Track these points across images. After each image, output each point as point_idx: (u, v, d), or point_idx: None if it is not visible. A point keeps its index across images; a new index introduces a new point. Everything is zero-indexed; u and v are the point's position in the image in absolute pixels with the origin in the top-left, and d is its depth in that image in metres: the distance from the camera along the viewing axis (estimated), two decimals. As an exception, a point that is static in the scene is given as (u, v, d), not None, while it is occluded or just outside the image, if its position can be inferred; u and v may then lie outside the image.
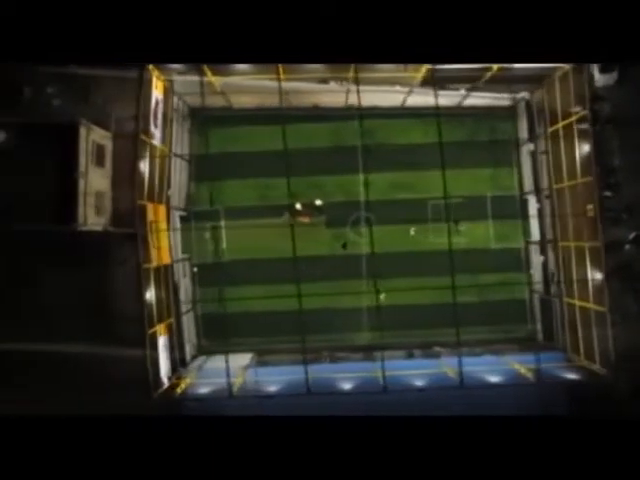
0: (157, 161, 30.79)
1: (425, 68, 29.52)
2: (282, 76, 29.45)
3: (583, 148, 29.72)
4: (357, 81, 29.20)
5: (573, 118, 29.84)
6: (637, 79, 30.79)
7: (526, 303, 35.43)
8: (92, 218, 29.73)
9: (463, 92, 33.39)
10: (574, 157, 30.43)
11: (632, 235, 30.97)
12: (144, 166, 29.24)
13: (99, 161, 30.62)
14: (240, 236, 34.31)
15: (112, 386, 28.25)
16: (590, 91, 29.29)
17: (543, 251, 34.68)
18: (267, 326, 34.00)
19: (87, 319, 29.98)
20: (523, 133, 35.25)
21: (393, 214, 33.77)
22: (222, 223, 34.44)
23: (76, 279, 30.61)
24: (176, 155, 33.50)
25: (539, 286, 34.80)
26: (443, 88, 31.59)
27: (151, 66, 28.87)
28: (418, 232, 34.79)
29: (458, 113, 34.70)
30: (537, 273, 35.10)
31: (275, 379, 29.67)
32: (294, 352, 31.64)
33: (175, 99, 33.13)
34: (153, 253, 29.56)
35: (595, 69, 30.97)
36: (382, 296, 30.87)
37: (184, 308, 33.93)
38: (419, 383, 28.37)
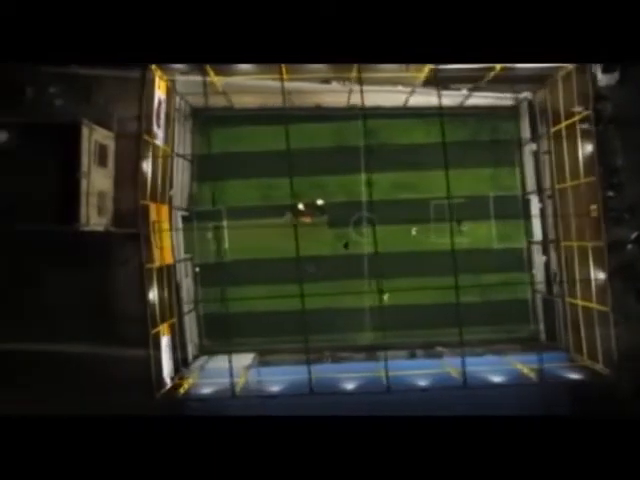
0: (160, 161, 30.80)
1: (427, 68, 29.52)
2: (285, 76, 29.42)
3: (586, 148, 29.68)
4: (360, 81, 29.18)
5: (576, 118, 29.79)
6: (639, 79, 30.77)
7: (528, 303, 35.37)
8: (94, 218, 29.75)
9: (465, 92, 33.36)
10: (576, 157, 30.38)
11: (634, 235, 30.94)
12: (147, 166, 29.24)
13: (101, 161, 30.63)
14: (242, 236, 34.31)
15: (115, 386, 28.28)
16: (593, 91, 29.22)
17: (545, 251, 34.62)
18: (269, 326, 33.99)
19: (90, 319, 30.00)
20: (525, 133, 35.18)
21: (395, 214, 33.74)
22: (224, 223, 34.44)
23: (78, 279, 30.63)
24: (178, 155, 33.51)
25: (541, 286, 34.76)
26: (445, 88, 31.52)
27: (154, 66, 28.89)
28: (420, 232, 34.76)
29: (460, 113, 34.66)
30: (539, 273, 35.05)
31: (277, 379, 29.66)
32: (296, 352, 31.64)
33: (177, 99, 33.14)
34: (156, 253, 29.56)
35: (597, 69, 30.95)
36: (385, 296, 30.83)
37: (186, 308, 33.90)
38: (422, 383, 28.34)
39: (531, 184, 35.22)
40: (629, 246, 30.99)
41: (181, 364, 31.66)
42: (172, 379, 29.56)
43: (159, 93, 30.02)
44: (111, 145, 31.59)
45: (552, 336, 33.98)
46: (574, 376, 28.84)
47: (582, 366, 29.62)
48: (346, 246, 34.73)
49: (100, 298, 30.73)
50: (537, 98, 34.19)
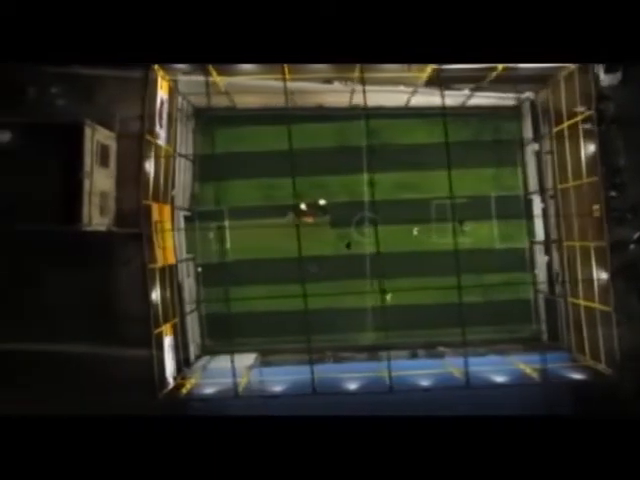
0: (162, 161, 30.82)
1: (430, 68, 29.51)
2: (287, 76, 29.44)
3: (588, 148, 29.68)
4: (363, 81, 29.18)
5: (579, 118, 29.79)
6: (641, 79, 30.87)
7: (531, 303, 35.37)
8: (96, 218, 29.72)
9: (467, 92, 33.35)
10: (579, 157, 30.40)
11: (637, 235, 30.90)
12: (149, 166, 29.26)
13: (103, 161, 30.61)
14: (244, 236, 34.30)
15: (117, 386, 28.27)
16: (596, 91, 29.21)
17: (547, 251, 34.64)
18: (271, 326, 33.99)
19: (92, 319, 29.97)
20: (527, 133, 35.19)
21: (397, 214, 33.68)
22: (226, 223, 34.43)
23: (81, 279, 30.59)
24: (180, 155, 33.51)
25: (543, 286, 34.75)
26: (447, 88, 31.45)
27: (156, 66, 28.92)
28: (422, 232, 34.76)
29: (462, 113, 34.68)
30: (541, 273, 35.05)
31: (279, 379, 29.71)
32: (298, 352, 31.65)
33: (179, 99, 33.14)
34: (158, 253, 29.57)
35: (600, 69, 30.92)
36: (389, 296, 30.83)
37: (188, 308, 33.92)
38: (424, 383, 28.38)
39: (533, 184, 35.22)
40: (631, 246, 30.95)
41: (183, 364, 31.69)
42: (174, 379, 29.59)
43: (161, 93, 30.05)
44: (113, 145, 31.55)
45: (554, 336, 33.99)
46: (577, 376, 28.85)
47: (585, 366, 29.64)
48: (348, 246, 34.72)
49: (102, 298, 30.66)
50: (539, 98, 34.19)
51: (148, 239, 28.79)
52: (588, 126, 29.68)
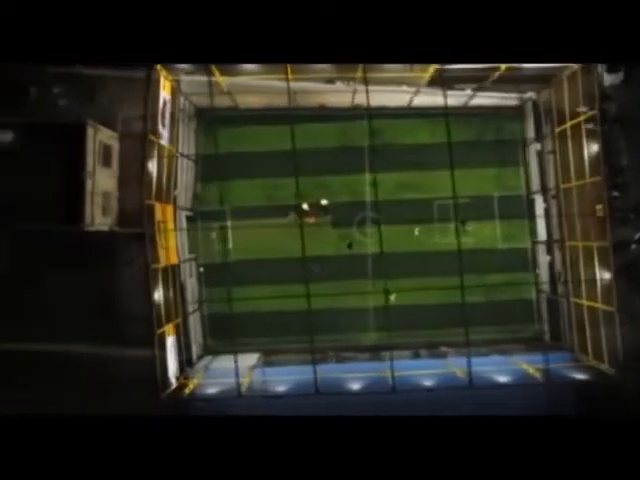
0: (164, 161, 30.80)
1: (432, 68, 29.49)
2: (289, 76, 29.42)
3: (591, 148, 29.68)
4: (366, 81, 29.16)
5: (582, 118, 29.79)
6: (643, 79, 30.88)
7: (533, 303, 35.37)
8: (99, 218, 29.75)
9: (470, 92, 33.34)
10: (581, 157, 30.40)
11: (639, 235, 30.92)
12: (152, 166, 29.25)
13: (106, 161, 30.64)
14: (246, 236, 34.31)
15: (120, 386, 28.28)
16: (599, 91, 29.19)
17: (550, 251, 34.63)
18: (273, 326, 33.99)
19: (95, 319, 29.99)
20: (530, 133, 35.19)
21: (399, 214, 33.60)
22: (228, 223, 34.41)
23: (83, 279, 30.62)
24: (183, 155, 33.49)
25: (546, 286, 34.75)
26: (450, 88, 31.46)
27: (159, 66, 28.86)
28: (424, 232, 34.75)
29: (465, 113, 34.65)
30: (544, 273, 35.03)
31: (282, 379, 29.68)
32: (300, 352, 31.70)
33: (181, 99, 33.11)
34: (161, 253, 29.55)
35: (602, 69, 30.93)
36: (392, 297, 30.82)
37: (190, 308, 33.91)
38: (427, 383, 28.37)
39: (536, 184, 35.21)
40: (633, 246, 30.97)
41: (186, 364, 31.67)
42: (177, 379, 29.57)
43: (164, 93, 29.98)
44: (115, 145, 31.60)
45: (556, 336, 34.01)
46: (580, 376, 28.84)
47: (587, 366, 29.64)
48: (350, 246, 34.66)
49: (105, 298, 30.72)
50: (541, 98, 34.16)
51: (151, 239, 28.76)
52: (591, 126, 29.68)
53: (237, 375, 28.30)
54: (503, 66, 28.82)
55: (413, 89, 32.78)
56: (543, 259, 35.07)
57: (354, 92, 32.77)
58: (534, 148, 34.96)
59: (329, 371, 29.87)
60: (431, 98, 32.39)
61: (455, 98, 32.98)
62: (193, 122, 35.08)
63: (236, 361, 28.40)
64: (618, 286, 28.43)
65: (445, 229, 33.88)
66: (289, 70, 29.26)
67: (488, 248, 34.92)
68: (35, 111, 30.62)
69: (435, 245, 34.60)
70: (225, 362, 30.84)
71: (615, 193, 30.71)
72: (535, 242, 35.40)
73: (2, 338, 28.49)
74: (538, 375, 28.82)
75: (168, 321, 29.72)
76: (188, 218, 34.79)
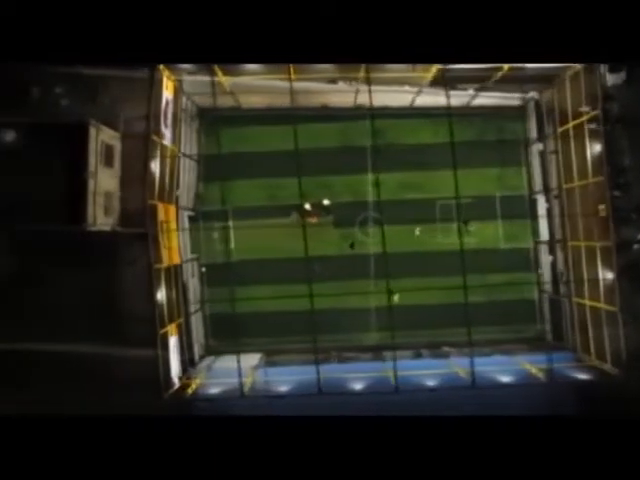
0: (167, 161, 30.80)
1: (434, 68, 29.49)
2: (292, 76, 29.42)
3: (593, 148, 29.67)
4: (369, 81, 29.16)
5: (584, 118, 29.77)
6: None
7: (535, 303, 35.34)
8: (101, 218, 29.76)
9: (472, 92, 33.33)
10: (584, 157, 30.39)
11: (641, 235, 31.03)
12: (154, 166, 29.24)
13: (108, 161, 30.64)
14: (248, 236, 34.29)
15: (122, 386, 28.24)
16: (602, 90, 29.17)
17: (552, 251, 34.61)
18: (275, 326, 33.99)
19: (97, 319, 29.97)
20: (532, 133, 35.18)
21: (401, 214, 33.57)
22: (230, 223, 34.39)
23: (85, 279, 30.60)
24: (185, 155, 33.49)
25: (548, 286, 34.74)
26: (452, 88, 31.43)
27: (161, 66, 28.85)
28: (426, 232, 34.74)
29: (467, 113, 34.64)
30: (546, 273, 35.02)
31: (284, 379, 29.65)
32: (302, 352, 31.69)
33: (184, 99, 33.11)
34: (163, 253, 29.54)
35: (604, 69, 30.92)
36: (396, 297, 30.82)
37: (192, 308, 33.91)
38: (430, 383, 28.34)
39: (538, 184, 35.20)
40: (636, 246, 30.96)
41: (188, 364, 31.66)
42: (179, 379, 29.57)
43: (167, 93, 29.99)
44: (117, 145, 31.60)
45: (558, 336, 33.99)
46: (582, 376, 28.83)
47: (590, 366, 29.63)
48: (352, 246, 34.68)
49: (107, 298, 30.71)
50: (544, 98, 34.16)
51: (153, 239, 28.75)
52: (593, 126, 29.66)
53: (240, 375, 28.28)
54: (505, 66, 28.77)
55: (415, 89, 32.80)
56: (545, 259, 35.06)
57: (356, 92, 32.78)
58: (536, 148, 34.94)
59: (331, 371, 29.85)
60: (433, 98, 32.40)
61: (457, 98, 32.88)
62: (195, 122, 35.11)
63: (239, 361, 28.39)
64: (621, 286, 28.41)
65: (447, 229, 33.89)
66: (292, 70, 29.24)
67: (490, 248, 34.89)
68: (37, 111, 30.60)
69: (437, 245, 34.60)
70: (227, 362, 30.80)
71: (617, 193, 30.66)
72: (537, 242, 35.39)
73: (4, 338, 28.50)
74: (541, 375, 28.80)
75: (171, 321, 29.74)
76: (190, 218, 34.81)
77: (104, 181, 30.07)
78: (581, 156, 30.61)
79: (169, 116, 30.64)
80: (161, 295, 28.94)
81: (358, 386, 28.55)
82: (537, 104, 34.71)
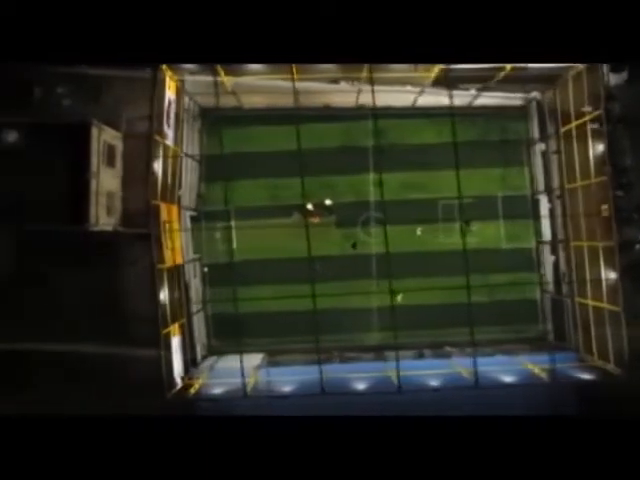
0: (169, 161, 30.79)
1: (437, 68, 29.49)
2: (294, 76, 29.43)
3: (595, 148, 29.66)
4: (372, 81, 29.14)
5: (587, 118, 29.75)
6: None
7: (537, 303, 35.33)
8: (103, 218, 29.79)
9: (474, 92, 33.31)
10: (586, 157, 30.37)
11: (643, 234, 31.04)
12: (157, 166, 29.23)
13: (110, 161, 30.69)
14: (250, 236, 34.26)
15: (125, 386, 28.29)
16: (605, 90, 29.16)
17: (554, 251, 34.61)
18: (277, 326, 33.97)
19: (99, 319, 29.99)
20: (534, 133, 35.14)
21: (403, 214, 33.44)
22: (232, 223, 34.36)
23: (88, 279, 30.63)
24: (187, 155, 33.48)
25: (550, 286, 34.74)
26: (454, 88, 31.44)
27: (164, 66, 28.82)
28: (429, 232, 34.71)
29: (469, 113, 34.62)
30: (548, 273, 35.01)
31: (287, 379, 29.61)
32: (304, 352, 31.67)
33: (186, 99, 33.11)
34: (166, 253, 29.53)
35: (606, 69, 30.92)
36: (399, 297, 30.82)
37: (194, 308, 33.89)
38: (432, 383, 28.35)
39: (540, 184, 35.17)
40: (638, 245, 30.98)
41: (190, 364, 31.65)
42: (182, 379, 29.54)
43: (169, 93, 29.97)
44: (119, 145, 31.64)
45: (561, 336, 33.94)
46: (585, 376, 28.81)
47: (593, 366, 29.63)
48: (354, 246, 34.66)
49: (109, 298, 30.75)
50: (546, 98, 34.14)
51: (156, 239, 28.74)
52: (595, 126, 29.66)
53: (243, 375, 28.23)
54: (508, 66, 28.75)
55: (418, 89, 32.76)
56: (547, 259, 35.05)
57: (358, 92, 32.75)
58: (539, 148, 34.92)
59: (333, 371, 29.79)
60: (435, 98, 32.44)
61: (459, 98, 32.87)
62: (197, 122, 35.07)
63: (242, 361, 28.34)
64: (623, 286, 28.40)
65: (449, 229, 33.87)
66: (294, 70, 29.23)
67: (492, 248, 34.83)
68: (40, 111, 30.65)
69: (439, 245, 34.57)
70: (229, 362, 30.86)
71: (619, 193, 30.66)
72: (539, 242, 35.37)
73: (7, 338, 28.54)
74: (543, 375, 28.80)
75: (173, 321, 29.71)
76: (192, 218, 34.75)
77: (106, 181, 30.11)
78: (583, 156, 30.59)
79: (171, 116, 30.60)
80: (164, 295, 28.91)
81: (361, 386, 28.54)
82: (539, 104, 34.65)
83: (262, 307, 33.04)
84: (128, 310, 30.22)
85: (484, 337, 32.16)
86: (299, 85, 30.37)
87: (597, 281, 29.98)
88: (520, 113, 35.55)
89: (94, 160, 28.89)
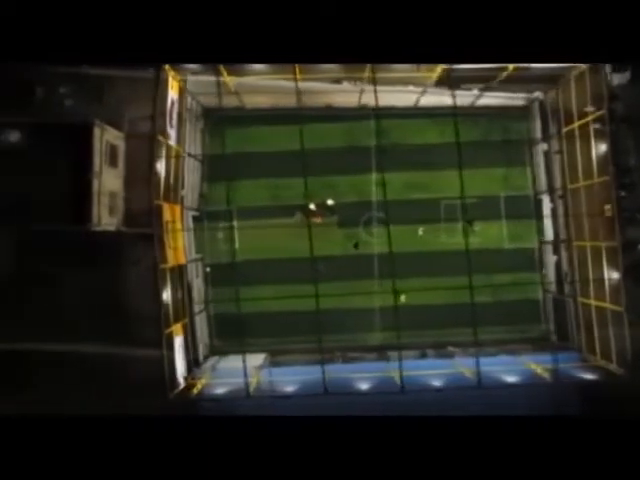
0: (172, 161, 30.80)
1: (439, 68, 29.47)
2: (297, 76, 29.44)
3: (598, 147, 29.65)
4: (374, 81, 29.11)
5: (590, 117, 29.75)
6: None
7: (539, 303, 35.32)
8: (106, 218, 29.83)
9: (476, 92, 33.30)
10: (588, 157, 30.40)
11: (646, 234, 31.00)
12: (160, 166, 29.24)
13: (112, 161, 30.73)
14: (252, 236, 34.27)
15: (128, 386, 28.29)
16: (608, 90, 29.13)
17: (557, 251, 34.60)
18: (279, 326, 33.98)
19: (102, 319, 30.00)
20: (537, 133, 35.13)
21: (406, 214, 33.49)
22: (234, 223, 34.36)
23: (90, 279, 30.65)
24: (190, 155, 33.48)
25: (553, 286, 34.72)
26: (457, 88, 31.42)
27: (167, 66, 28.83)
28: (431, 232, 34.71)
29: (472, 113, 34.56)
30: (551, 273, 35.00)
31: (289, 379, 29.63)
32: (306, 352, 31.74)
33: (188, 99, 33.10)
34: (169, 253, 29.53)
35: (609, 69, 30.89)
36: (403, 297, 30.79)
37: (196, 308, 33.90)
38: (435, 383, 28.36)
39: (543, 184, 35.15)
40: (640, 246, 31.07)
41: (193, 364, 31.65)
42: (185, 379, 29.55)
43: (172, 93, 29.96)
44: (121, 145, 31.66)
45: (563, 336, 33.96)
46: (588, 376, 28.82)
47: (596, 366, 29.63)
48: (356, 246, 34.62)
49: (111, 298, 30.76)
50: (548, 98, 34.12)
51: (159, 239, 28.74)
52: (598, 126, 29.64)
53: (245, 375, 28.25)
54: (510, 66, 28.76)
55: (420, 89, 32.76)
56: (550, 259, 35.03)
57: (361, 92, 32.77)
58: (541, 148, 34.92)
59: (336, 371, 29.83)
60: (438, 98, 32.45)
61: (462, 98, 32.78)
62: (200, 122, 35.07)
63: (244, 361, 28.34)
64: (626, 286, 28.39)
65: (452, 229, 33.91)
66: (297, 70, 29.23)
67: (495, 248, 34.86)
68: (42, 111, 30.66)
69: (442, 245, 34.60)
70: (232, 362, 30.88)
71: (622, 193, 30.64)
72: (542, 242, 35.36)
73: (10, 338, 28.57)
74: (546, 375, 28.80)
75: (176, 321, 29.71)
76: (194, 218, 34.78)
77: (109, 181, 30.16)
78: (586, 156, 30.62)
79: (174, 116, 30.60)
80: (166, 295, 28.92)
81: (364, 386, 28.55)
82: (542, 104, 34.66)
83: (264, 307, 32.97)
84: (130, 310, 30.22)
85: (487, 337, 32.18)
86: (301, 85, 30.35)
87: (600, 281, 29.97)
88: (523, 113, 35.58)
89: (96, 160, 28.93)
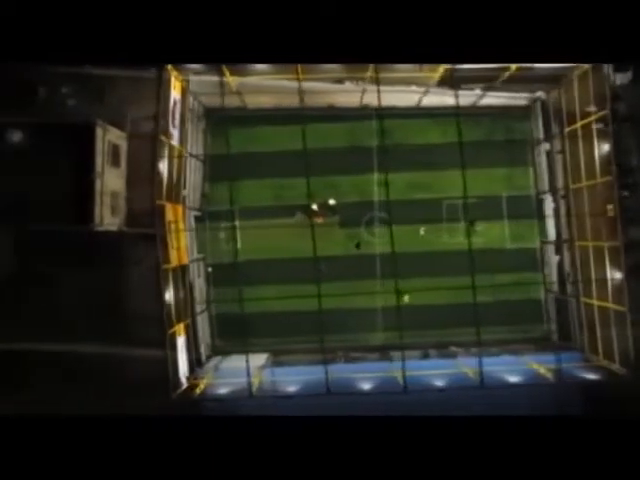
0: (174, 161, 30.80)
1: (442, 68, 29.43)
2: (299, 76, 29.44)
3: (601, 147, 29.61)
4: (377, 81, 29.09)
5: (593, 117, 29.69)
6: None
7: (541, 303, 35.27)
8: (108, 218, 29.82)
9: (479, 92, 33.27)
10: (591, 156, 30.32)
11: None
12: (162, 166, 29.25)
13: (114, 161, 30.73)
14: (254, 236, 34.28)
15: (131, 386, 28.29)
16: (610, 90, 29.10)
17: (559, 251, 34.56)
18: (282, 326, 33.98)
19: (105, 319, 30.01)
20: (539, 133, 35.12)
21: (408, 214, 33.48)
22: (236, 223, 34.37)
23: (92, 279, 30.66)
24: (191, 155, 33.49)
25: (555, 286, 34.69)
26: (459, 88, 31.40)
27: (169, 66, 28.83)
28: (433, 232, 34.70)
29: (474, 113, 34.51)
30: (553, 273, 34.97)
31: (292, 379, 29.61)
32: (308, 352, 31.72)
33: (190, 99, 33.12)
34: (171, 253, 29.54)
35: (611, 68, 30.86)
36: (406, 297, 30.79)
37: (198, 308, 33.91)
38: (437, 383, 28.32)
39: (545, 184, 35.11)
40: (642, 245, 31.02)
41: (195, 364, 31.65)
42: (187, 379, 29.56)
43: (174, 93, 29.98)
44: (123, 145, 31.67)
45: (565, 336, 33.92)
46: (591, 376, 28.77)
47: (598, 366, 29.58)
48: (358, 246, 34.64)
49: (113, 298, 30.78)
50: (551, 98, 34.08)
51: (161, 239, 28.75)
52: (600, 126, 29.61)
53: (248, 375, 28.23)
54: (513, 66, 28.72)
55: (422, 89, 32.73)
56: (552, 259, 35.00)
57: (363, 92, 32.75)
58: (543, 148, 34.87)
59: (338, 371, 29.81)
60: (440, 98, 32.43)
61: (464, 98, 32.65)
62: (202, 122, 35.08)
63: (247, 361, 28.30)
64: (629, 286, 28.35)
65: (454, 229, 33.90)
66: (299, 70, 29.23)
67: (497, 248, 34.82)
68: (45, 111, 30.67)
69: (444, 245, 34.58)
70: (234, 362, 30.80)
71: (625, 193, 30.61)
72: (544, 242, 35.33)
73: (11, 338, 28.60)
74: (549, 375, 28.76)
75: (178, 321, 29.71)
76: (196, 218, 34.82)
77: (111, 181, 30.15)
78: (588, 156, 30.54)
79: (176, 116, 30.61)
80: (169, 295, 28.93)
81: (366, 386, 28.52)
82: (544, 104, 34.64)
83: (266, 307, 32.97)
84: (133, 310, 30.24)
85: (489, 337, 32.10)
86: (304, 85, 30.30)
87: (602, 281, 29.94)
88: (525, 113, 35.54)
89: (99, 160, 28.92)
